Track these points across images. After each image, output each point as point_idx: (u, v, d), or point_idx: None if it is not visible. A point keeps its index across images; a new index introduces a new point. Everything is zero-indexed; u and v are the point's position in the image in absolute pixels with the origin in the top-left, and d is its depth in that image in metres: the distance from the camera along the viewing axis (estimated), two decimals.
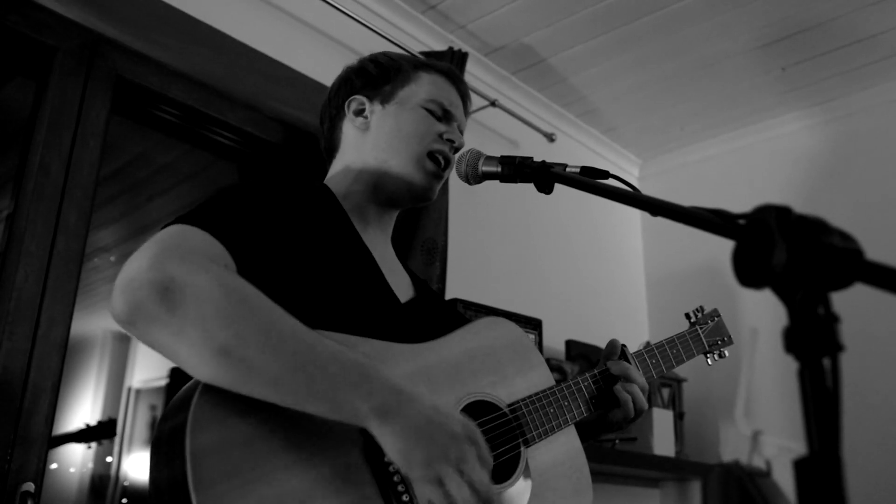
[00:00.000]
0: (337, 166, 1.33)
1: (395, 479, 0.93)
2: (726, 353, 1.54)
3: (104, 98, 2.05)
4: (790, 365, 0.51)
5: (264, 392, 0.84)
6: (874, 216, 2.92)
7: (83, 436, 4.24)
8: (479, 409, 1.12)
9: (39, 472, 1.74)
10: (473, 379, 1.13)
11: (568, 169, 1.06)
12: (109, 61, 2.09)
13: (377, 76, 1.31)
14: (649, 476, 3.08)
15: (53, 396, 1.80)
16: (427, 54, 2.46)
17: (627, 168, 3.72)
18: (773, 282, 0.54)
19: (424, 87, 1.29)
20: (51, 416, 1.79)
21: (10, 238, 1.85)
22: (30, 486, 1.69)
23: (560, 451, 1.20)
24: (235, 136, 2.44)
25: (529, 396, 1.19)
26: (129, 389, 4.85)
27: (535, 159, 1.11)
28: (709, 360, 1.53)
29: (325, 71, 2.26)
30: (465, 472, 0.86)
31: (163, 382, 4.54)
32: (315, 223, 1.12)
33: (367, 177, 1.27)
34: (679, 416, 3.01)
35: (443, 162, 1.27)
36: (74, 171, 1.94)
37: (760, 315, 2.84)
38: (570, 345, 2.89)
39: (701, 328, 1.51)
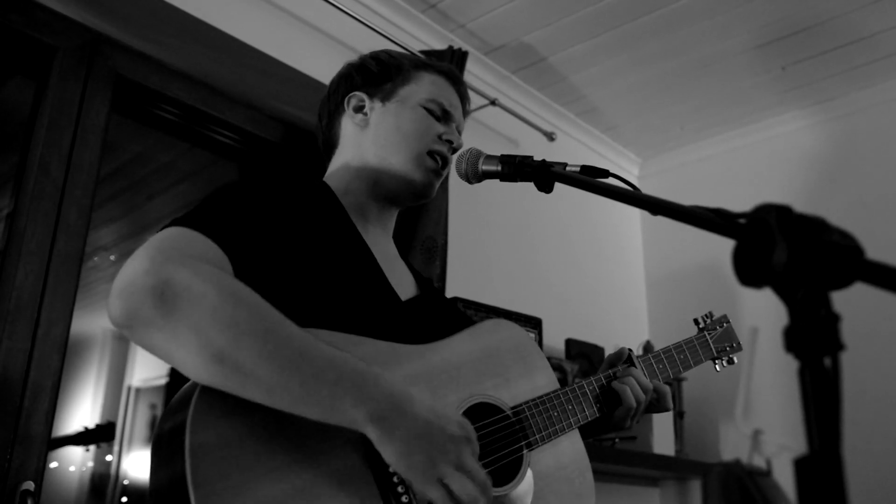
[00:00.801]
0: (336, 163, 1.32)
1: (395, 479, 0.93)
2: (735, 360, 1.53)
3: (104, 97, 2.05)
4: (790, 364, 0.51)
5: (260, 397, 0.84)
6: (874, 215, 2.92)
7: (81, 439, 4.24)
8: (481, 412, 1.11)
9: (39, 471, 1.74)
10: (476, 381, 1.13)
11: (568, 168, 1.06)
12: (109, 60, 2.09)
13: (378, 73, 1.31)
14: (649, 475, 3.08)
15: (53, 395, 1.80)
16: (427, 53, 2.46)
17: (627, 167, 3.72)
18: (774, 281, 0.54)
19: (425, 87, 1.29)
20: (51, 416, 1.79)
21: (10, 237, 1.85)
22: (30, 485, 1.69)
23: (564, 454, 1.20)
24: (235, 135, 2.44)
25: (533, 399, 1.18)
26: (129, 388, 4.85)
27: (535, 158, 1.11)
28: (717, 367, 1.52)
29: (325, 70, 2.26)
30: (467, 469, 0.88)
31: (163, 381, 4.54)
32: (314, 221, 1.11)
33: (366, 174, 1.26)
34: (679, 415, 3.01)
35: (441, 161, 1.27)
36: (74, 170, 1.94)
37: (761, 314, 2.84)
38: (570, 344, 2.89)
39: (709, 334, 1.50)
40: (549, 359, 2.76)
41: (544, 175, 1.07)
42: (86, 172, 1.97)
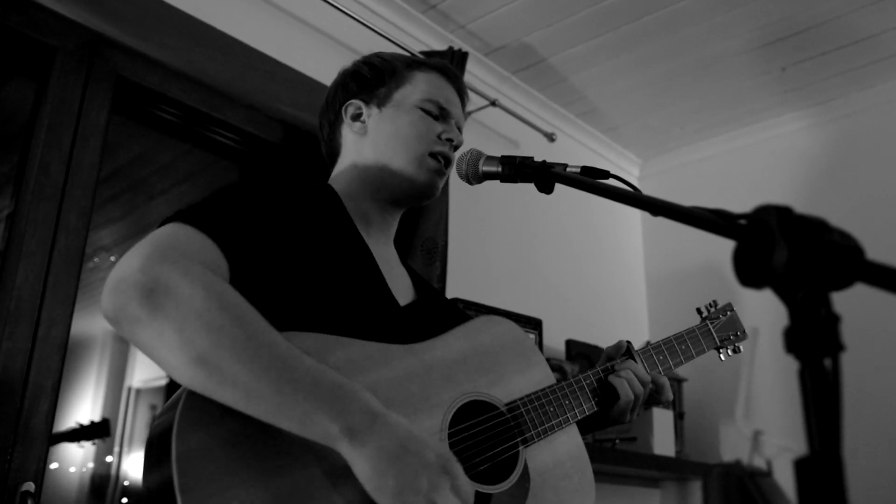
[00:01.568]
0: (339, 168, 1.32)
1: None
2: (741, 348, 1.49)
3: (104, 98, 2.05)
4: (791, 365, 0.51)
5: (238, 403, 0.84)
6: (874, 216, 2.92)
7: (76, 435, 4.23)
8: (475, 409, 1.10)
9: (39, 472, 1.74)
10: (470, 378, 1.12)
11: (568, 169, 1.06)
12: (109, 61, 2.09)
13: (372, 79, 1.30)
14: (649, 476, 3.08)
15: (53, 396, 1.80)
16: (427, 54, 2.46)
17: (628, 168, 3.72)
18: (774, 282, 0.54)
19: (420, 87, 1.29)
20: (51, 416, 1.79)
21: (10, 238, 1.85)
22: (30, 486, 1.69)
23: (561, 450, 1.18)
24: (236, 135, 2.44)
25: (528, 395, 1.17)
26: (129, 389, 4.84)
27: (535, 159, 1.11)
28: (721, 356, 1.48)
29: (326, 71, 2.26)
30: (436, 501, 0.84)
31: (163, 382, 4.53)
32: (316, 224, 1.11)
33: (368, 178, 1.26)
34: (679, 416, 3.01)
35: (443, 160, 1.27)
36: (74, 171, 1.94)
37: (761, 315, 2.83)
38: (571, 344, 2.89)
39: (712, 322, 1.48)
40: (549, 359, 2.77)
41: (545, 176, 1.07)
42: (86, 173, 1.97)
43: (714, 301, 1.53)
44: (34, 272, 1.82)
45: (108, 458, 4.64)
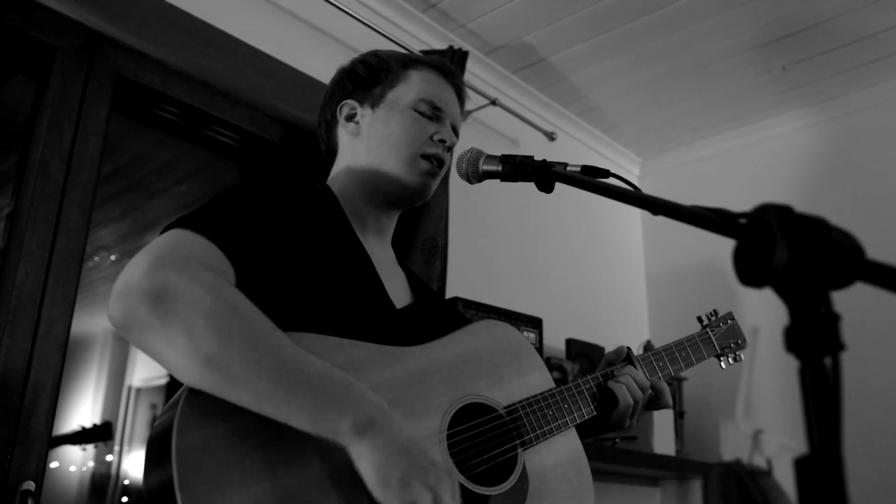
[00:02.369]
0: (335, 169, 1.33)
1: None
2: (742, 357, 1.51)
3: (104, 97, 2.05)
4: (791, 364, 0.51)
5: (247, 402, 0.85)
6: (875, 215, 2.92)
7: (78, 438, 4.24)
8: (474, 412, 1.11)
9: (39, 471, 1.74)
10: (469, 381, 1.12)
11: (568, 168, 1.06)
12: (110, 60, 2.09)
13: (367, 78, 1.30)
14: (650, 475, 3.08)
15: (54, 395, 1.80)
16: (427, 53, 2.46)
17: (628, 167, 3.72)
18: (774, 281, 0.54)
19: (414, 87, 1.28)
20: (51, 415, 1.79)
21: (10, 236, 1.85)
22: (30, 485, 1.69)
23: (560, 453, 1.19)
24: (236, 134, 2.44)
25: (527, 399, 1.17)
26: (130, 388, 4.85)
27: (535, 158, 1.11)
28: (722, 364, 1.49)
29: (326, 70, 2.25)
30: (441, 499, 0.86)
31: (163, 381, 4.54)
32: (314, 227, 1.12)
33: (362, 179, 1.26)
34: (679, 415, 3.01)
35: (436, 162, 1.26)
36: (75, 170, 1.94)
37: (761, 314, 2.84)
38: (571, 344, 2.89)
39: (712, 331, 1.49)
40: (549, 359, 2.77)
41: (545, 175, 1.07)
42: (86, 172, 1.97)
43: (715, 310, 1.55)
44: (34, 271, 1.82)
45: (108, 458, 4.64)
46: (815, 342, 0.51)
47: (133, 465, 4.57)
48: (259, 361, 0.85)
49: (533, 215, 3.08)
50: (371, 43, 2.20)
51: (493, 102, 2.78)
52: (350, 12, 2.30)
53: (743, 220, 0.62)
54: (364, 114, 1.29)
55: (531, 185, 1.11)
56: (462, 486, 1.02)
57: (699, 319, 1.52)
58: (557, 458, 1.18)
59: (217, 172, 3.22)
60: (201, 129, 2.40)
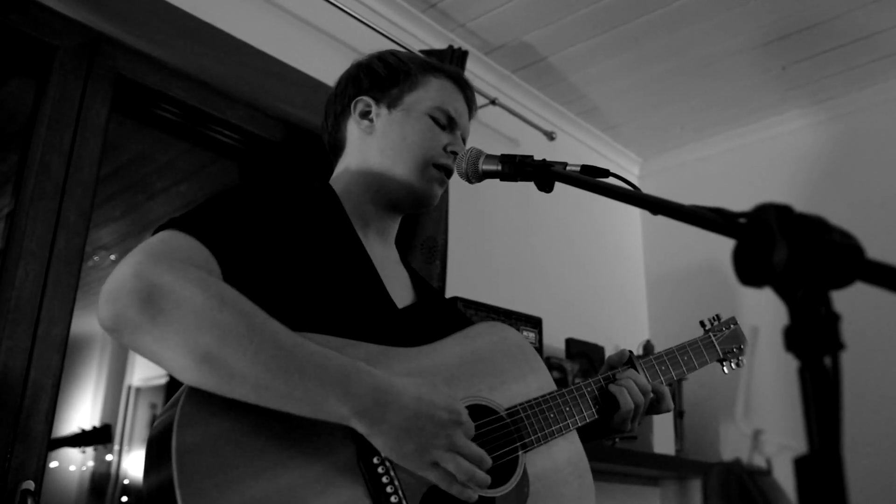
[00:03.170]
0: (341, 166, 1.32)
1: (384, 480, 0.93)
2: (744, 362, 1.51)
3: (104, 96, 2.05)
4: (791, 364, 0.51)
5: (248, 396, 0.85)
6: (875, 215, 2.92)
7: (78, 440, 4.24)
8: (475, 414, 1.10)
9: (39, 471, 1.74)
10: (470, 383, 1.12)
11: (568, 167, 1.06)
12: (110, 60, 2.09)
13: (385, 78, 1.29)
14: (649, 474, 3.08)
15: (54, 395, 1.80)
16: (427, 53, 2.46)
17: (628, 166, 3.72)
18: (774, 280, 0.54)
19: (432, 94, 1.28)
20: (51, 415, 1.79)
21: (10, 236, 1.85)
22: (30, 485, 1.69)
23: (561, 456, 1.18)
24: (236, 134, 2.44)
25: (529, 401, 1.17)
26: (130, 388, 4.85)
27: (535, 158, 1.11)
28: (725, 369, 1.50)
29: (326, 69, 2.26)
30: (458, 448, 0.92)
31: (163, 381, 4.53)
32: (313, 226, 1.11)
33: (369, 180, 1.26)
34: (679, 415, 3.01)
35: (444, 171, 1.27)
36: (75, 170, 1.94)
37: (761, 314, 2.84)
38: (570, 343, 2.89)
39: (715, 336, 1.49)
40: (549, 359, 2.76)
41: (544, 174, 1.07)
42: (86, 172, 1.97)
43: (717, 315, 1.55)
44: (34, 271, 1.82)
45: (108, 457, 4.64)
46: (814, 342, 0.51)
47: (133, 465, 4.57)
48: (256, 353, 0.85)
49: (533, 215, 3.08)
50: (371, 43, 2.20)
51: (493, 102, 2.78)
52: (350, 12, 2.30)
53: (743, 220, 0.62)
54: (379, 113, 1.28)
55: (531, 185, 1.11)
56: None
57: (702, 324, 1.51)
58: (558, 462, 1.17)
59: (217, 172, 3.22)
60: (201, 128, 2.40)
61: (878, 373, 2.75)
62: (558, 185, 1.07)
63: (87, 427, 4.29)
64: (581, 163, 1.07)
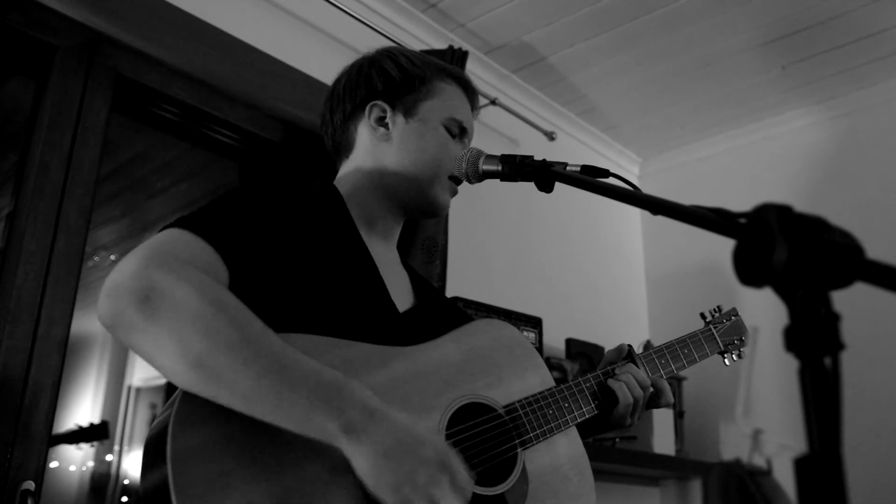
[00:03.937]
0: (348, 167, 1.30)
1: None
2: (745, 353, 1.49)
3: (104, 96, 2.05)
4: (791, 364, 0.51)
5: (237, 404, 0.84)
6: (875, 215, 2.92)
7: (75, 437, 4.24)
8: (473, 412, 1.10)
9: (39, 471, 1.74)
10: (468, 381, 1.12)
11: (568, 167, 1.06)
12: (110, 59, 2.09)
13: (401, 83, 1.27)
14: (649, 474, 3.08)
15: (54, 395, 1.80)
16: (427, 53, 2.46)
17: (628, 166, 3.72)
18: (774, 281, 0.54)
19: (447, 104, 1.29)
20: (51, 415, 1.79)
21: (10, 236, 1.85)
22: (30, 485, 1.69)
23: (561, 453, 1.18)
24: (236, 134, 2.44)
25: (527, 398, 1.17)
26: (130, 388, 4.85)
27: (535, 158, 1.11)
28: (726, 361, 1.48)
29: (326, 69, 2.26)
30: (434, 498, 0.85)
31: (163, 381, 4.53)
32: (317, 228, 1.11)
33: (383, 185, 1.25)
34: (679, 415, 3.01)
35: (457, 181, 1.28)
36: (74, 170, 1.94)
37: (761, 314, 2.84)
38: (571, 343, 2.89)
39: (716, 327, 1.47)
40: (548, 359, 2.76)
41: (545, 175, 1.06)
42: (86, 172, 1.97)
43: (718, 306, 1.53)
44: (34, 271, 1.82)
45: (108, 457, 4.64)
46: (814, 342, 0.51)
47: (133, 465, 4.57)
48: (246, 364, 0.84)
49: (533, 215, 3.08)
50: (371, 43, 2.19)
51: (493, 102, 2.78)
52: (350, 12, 2.30)
53: (743, 220, 0.62)
54: (395, 121, 1.27)
55: (531, 185, 1.11)
56: None
57: (702, 316, 1.50)
58: (558, 458, 1.17)
59: (217, 172, 3.22)
60: (201, 128, 2.40)
61: (878, 373, 2.75)
62: (558, 186, 1.07)
63: (84, 424, 4.29)
64: (581, 163, 1.07)
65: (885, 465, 2.64)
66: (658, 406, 1.34)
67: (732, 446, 3.10)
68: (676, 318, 3.35)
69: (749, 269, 0.57)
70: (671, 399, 1.34)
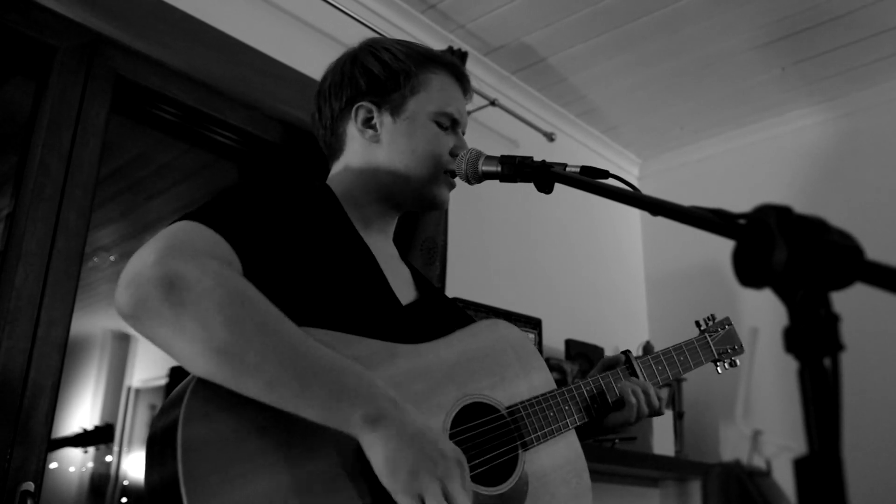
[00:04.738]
0: (339, 167, 1.30)
1: None
2: (738, 362, 1.53)
3: (104, 97, 2.05)
4: (790, 365, 0.51)
5: (259, 393, 0.85)
6: (875, 215, 2.92)
7: (80, 440, 4.24)
8: (476, 411, 1.11)
9: (39, 472, 1.74)
10: (472, 380, 1.12)
11: (568, 168, 1.06)
12: (109, 60, 2.09)
13: (385, 81, 1.25)
14: (649, 475, 3.08)
15: (53, 396, 1.80)
16: None
17: (627, 167, 3.72)
18: (774, 281, 0.54)
19: (434, 97, 1.26)
20: (51, 416, 1.79)
21: (9, 237, 1.85)
22: (29, 486, 1.69)
23: (560, 455, 1.19)
24: (235, 135, 2.44)
25: (529, 399, 1.18)
26: (129, 389, 4.84)
27: (534, 159, 1.11)
28: (718, 369, 1.51)
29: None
30: (449, 491, 0.86)
31: (162, 382, 4.53)
32: (318, 224, 1.12)
33: (376, 182, 1.25)
34: (679, 416, 3.01)
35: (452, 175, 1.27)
36: (74, 171, 1.94)
37: (760, 315, 2.83)
38: (570, 344, 2.89)
39: (710, 336, 1.50)
40: (548, 359, 2.77)
41: (544, 175, 1.07)
42: (86, 172, 1.97)
43: (712, 315, 1.56)
44: (34, 272, 1.82)
45: (108, 458, 4.64)
46: (814, 343, 0.51)
47: (132, 466, 4.56)
48: (272, 351, 0.85)
49: (532, 216, 3.08)
50: None
51: (493, 103, 2.78)
52: (349, 13, 2.30)
53: (742, 221, 0.62)
54: (383, 121, 1.25)
55: (530, 186, 1.11)
56: None
57: (697, 324, 1.53)
58: (557, 461, 1.18)
59: (216, 173, 3.21)
60: (200, 129, 2.40)
61: (878, 373, 2.75)
62: (558, 187, 1.07)
63: (89, 427, 4.30)
64: (581, 164, 1.07)
65: (885, 465, 2.64)
66: (652, 415, 1.36)
67: (732, 447, 3.10)
68: (676, 319, 3.35)
69: (749, 270, 0.57)
70: (657, 404, 1.34)
